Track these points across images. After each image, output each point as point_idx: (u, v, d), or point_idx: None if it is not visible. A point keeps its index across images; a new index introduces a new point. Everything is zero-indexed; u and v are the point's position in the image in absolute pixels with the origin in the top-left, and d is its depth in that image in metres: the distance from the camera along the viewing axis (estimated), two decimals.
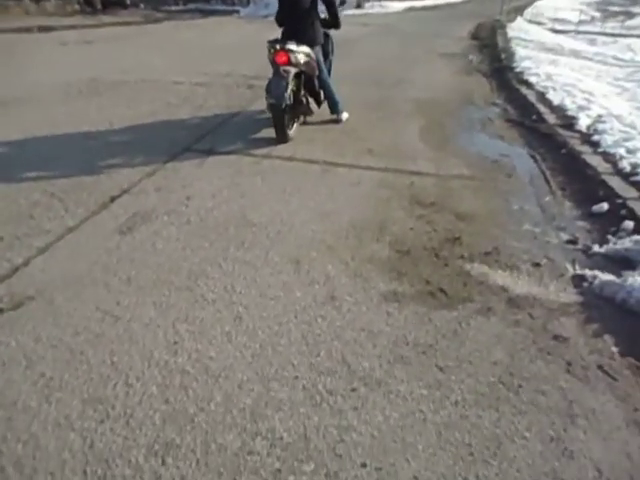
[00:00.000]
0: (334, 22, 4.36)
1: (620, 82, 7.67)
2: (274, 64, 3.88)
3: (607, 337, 1.97)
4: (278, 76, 3.81)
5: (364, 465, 1.42)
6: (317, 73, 4.30)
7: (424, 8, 24.32)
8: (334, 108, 4.62)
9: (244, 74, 7.00)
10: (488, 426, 1.56)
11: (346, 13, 20.93)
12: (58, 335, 1.87)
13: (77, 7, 22.32)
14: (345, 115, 4.72)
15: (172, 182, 3.28)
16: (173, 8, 27.54)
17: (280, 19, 4.22)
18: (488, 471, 1.41)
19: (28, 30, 13.91)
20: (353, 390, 1.67)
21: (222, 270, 2.33)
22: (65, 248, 2.48)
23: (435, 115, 5.13)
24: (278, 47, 3.85)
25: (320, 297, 2.15)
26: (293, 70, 3.89)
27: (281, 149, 3.94)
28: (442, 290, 2.23)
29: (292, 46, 3.87)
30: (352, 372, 1.75)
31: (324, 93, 4.58)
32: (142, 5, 27.43)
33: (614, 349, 1.91)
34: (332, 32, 4.59)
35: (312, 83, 4.39)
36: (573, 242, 2.69)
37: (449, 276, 2.34)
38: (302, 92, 4.34)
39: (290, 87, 3.86)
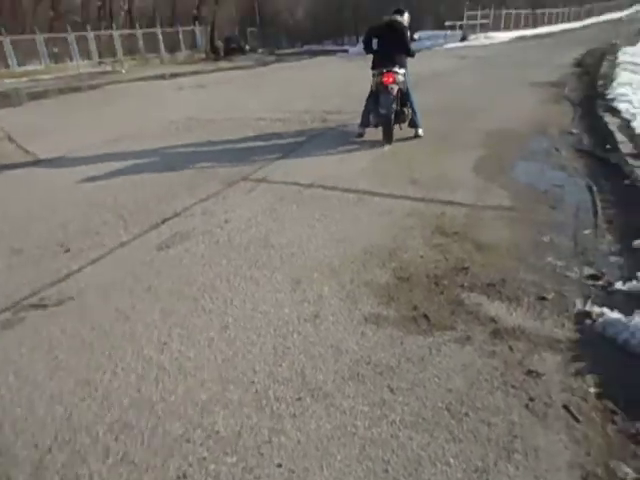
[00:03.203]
0: (409, 53, 5.21)
1: None
2: (382, 85, 4.97)
3: (589, 377, 1.84)
4: (386, 93, 4.94)
5: (279, 465, 1.53)
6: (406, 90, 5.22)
7: (535, 37, 23.37)
8: (415, 122, 5.42)
9: (324, 109, 7.46)
10: (415, 448, 1.57)
11: (447, 46, 20.95)
12: (78, 329, 2.26)
13: (203, 55, 25.29)
14: (421, 131, 5.45)
15: (219, 207, 3.68)
16: (287, 51, 29.88)
17: (373, 49, 5.30)
18: None
19: (161, 77, 16.12)
20: (298, 399, 1.79)
21: (229, 285, 2.59)
22: (112, 260, 2.94)
23: (500, 146, 5.01)
24: (385, 70, 4.94)
25: (305, 315, 2.29)
26: (396, 87, 4.99)
27: (326, 179, 4.17)
28: (426, 316, 2.24)
29: (395, 68, 4.98)
30: (305, 383, 1.86)
31: (411, 108, 5.34)
32: (259, 50, 30.20)
33: (592, 390, 1.78)
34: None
35: (404, 99, 5.21)
36: (595, 278, 2.50)
37: (439, 304, 2.34)
38: (399, 105, 5.17)
39: (395, 101, 4.98)
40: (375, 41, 5.30)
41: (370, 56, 5.37)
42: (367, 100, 5.38)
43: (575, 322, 2.16)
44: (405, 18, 5.32)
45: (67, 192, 4.21)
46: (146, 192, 4.08)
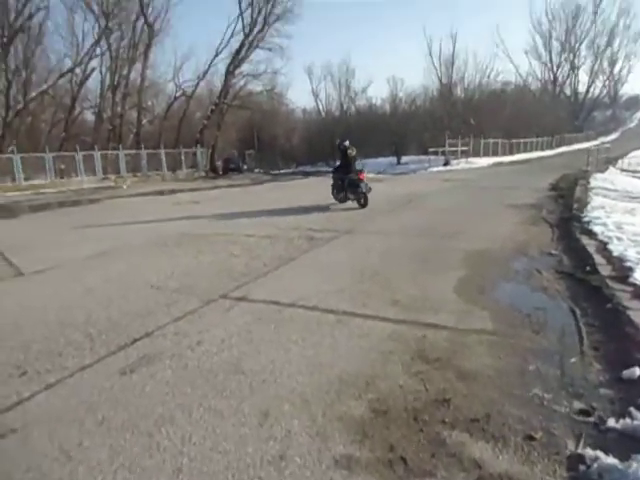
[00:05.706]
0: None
1: None
2: (359, 179, 9.79)
3: None
4: (363, 182, 9.77)
5: None
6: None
7: (512, 163, 25.21)
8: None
9: (310, 227, 7.65)
10: None
11: (431, 170, 22.42)
12: (11, 470, 2.00)
13: (202, 174, 26.75)
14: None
15: (193, 327, 3.55)
16: (282, 171, 31.76)
17: (337, 169, 10.70)
18: None
19: (160, 193, 16.81)
20: None
21: (190, 418, 2.37)
22: (69, 385, 2.74)
23: (481, 266, 5.05)
24: (358, 172, 9.96)
25: (269, 455, 2.07)
26: (364, 180, 9.96)
27: (307, 298, 4.10)
28: (403, 459, 2.02)
29: (363, 171, 10.19)
30: None
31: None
32: (256, 169, 32.09)
33: None
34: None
35: None
36: (586, 413, 2.33)
37: (419, 443, 2.13)
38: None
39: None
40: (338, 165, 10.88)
41: None
42: (338, 188, 10.32)
43: (568, 468, 1.95)
44: (347, 144, 10.34)
45: (39, 309, 4.08)
46: (122, 309, 3.97)
